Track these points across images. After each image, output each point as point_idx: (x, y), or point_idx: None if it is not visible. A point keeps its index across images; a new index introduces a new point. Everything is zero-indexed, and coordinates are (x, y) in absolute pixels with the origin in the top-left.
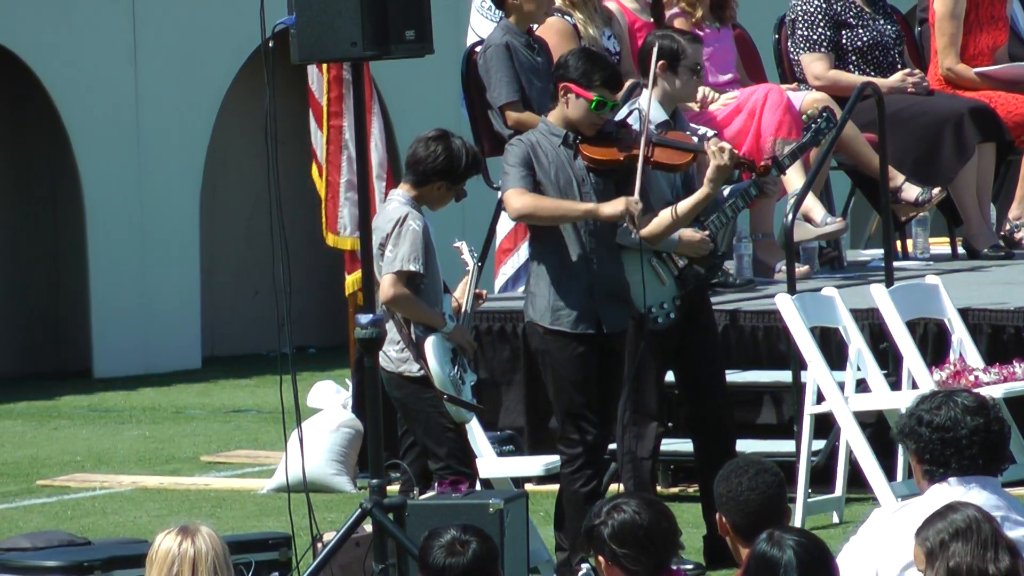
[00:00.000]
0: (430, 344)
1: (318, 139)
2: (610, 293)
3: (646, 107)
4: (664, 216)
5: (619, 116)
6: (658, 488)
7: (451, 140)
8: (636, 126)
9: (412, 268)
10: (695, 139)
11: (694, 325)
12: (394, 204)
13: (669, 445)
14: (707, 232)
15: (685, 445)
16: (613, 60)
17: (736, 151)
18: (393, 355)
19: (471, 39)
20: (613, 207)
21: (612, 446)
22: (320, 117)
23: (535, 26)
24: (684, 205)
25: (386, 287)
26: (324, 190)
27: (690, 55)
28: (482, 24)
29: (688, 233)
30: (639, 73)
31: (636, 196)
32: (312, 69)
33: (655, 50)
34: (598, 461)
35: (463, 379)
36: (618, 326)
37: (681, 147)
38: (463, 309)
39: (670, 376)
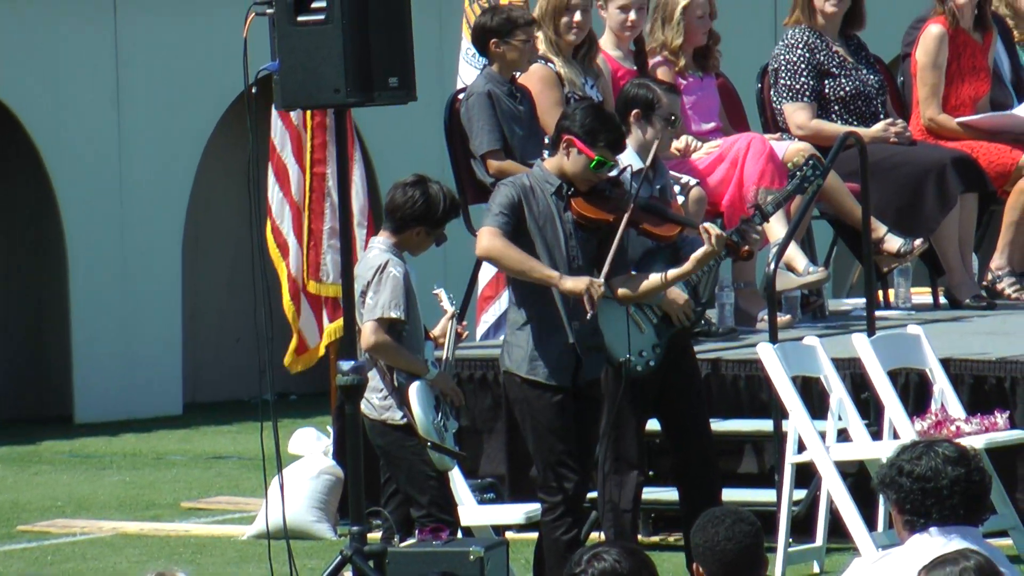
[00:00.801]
0: (414, 391)
1: (274, 192)
2: (587, 344)
3: (629, 162)
4: (649, 282)
5: (612, 172)
6: (639, 537)
7: (428, 185)
8: (627, 185)
9: (393, 315)
10: (678, 187)
11: (676, 373)
12: (375, 251)
13: (651, 494)
14: (691, 301)
15: (667, 493)
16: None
17: (725, 236)
18: (376, 402)
19: (459, 86)
20: (575, 284)
21: (593, 494)
22: (278, 167)
23: (518, 74)
24: (670, 275)
25: (368, 334)
26: (306, 237)
27: (665, 105)
28: (469, 72)
29: (675, 293)
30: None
31: (601, 279)
32: (275, 119)
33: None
34: (579, 509)
35: (446, 426)
36: (593, 373)
37: (672, 218)
38: (445, 356)
39: (654, 424)
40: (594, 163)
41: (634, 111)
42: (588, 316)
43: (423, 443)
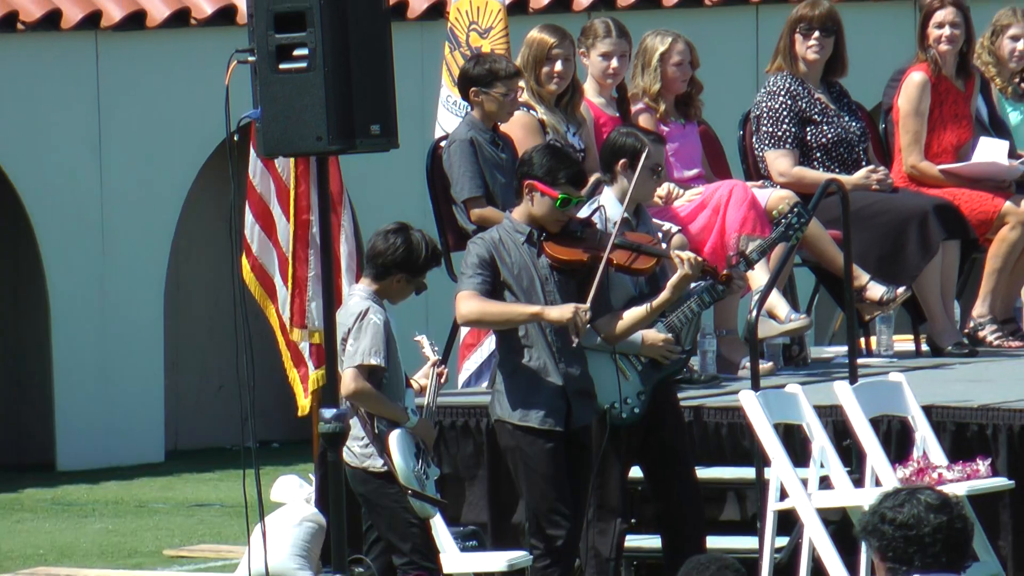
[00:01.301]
0: (394, 438)
1: (254, 231)
2: (577, 389)
3: (609, 206)
4: (631, 315)
5: (582, 213)
6: None
7: (410, 233)
8: (601, 225)
9: (373, 362)
10: (660, 234)
11: (660, 421)
12: (355, 299)
13: (634, 541)
14: (670, 337)
15: (649, 541)
16: (578, 156)
17: (700, 259)
18: (357, 450)
19: (438, 133)
20: (560, 312)
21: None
22: (255, 208)
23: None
24: (644, 309)
25: (347, 381)
26: (291, 284)
27: (651, 155)
28: (448, 119)
29: (652, 335)
30: (603, 169)
31: (587, 304)
32: (256, 163)
33: (639, 155)
34: (571, 557)
35: (427, 474)
36: (584, 420)
37: (646, 251)
38: (427, 402)
39: (637, 471)
40: (559, 201)
41: (621, 160)
42: (574, 343)
43: (404, 491)
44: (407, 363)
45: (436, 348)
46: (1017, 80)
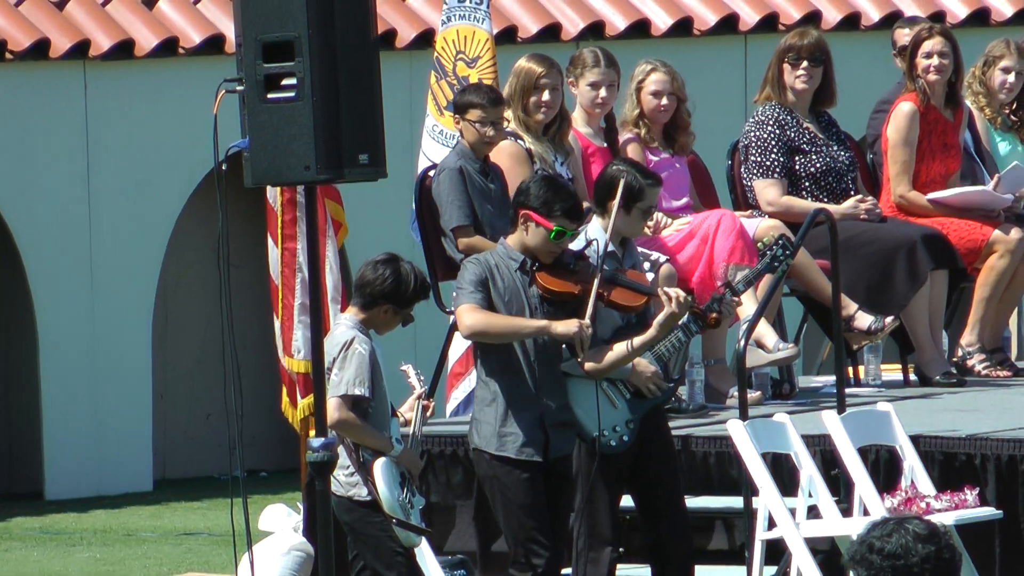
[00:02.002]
0: (378, 468)
1: (274, 257)
2: (556, 421)
3: (600, 239)
4: (618, 349)
5: (576, 245)
6: None
7: (400, 264)
8: (593, 258)
9: (358, 392)
10: (648, 264)
11: (649, 450)
12: (341, 328)
13: (623, 570)
14: (660, 372)
15: (638, 570)
16: (575, 190)
17: (689, 299)
18: (342, 479)
19: (422, 162)
20: (566, 327)
21: (566, 571)
22: (275, 236)
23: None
24: (636, 342)
25: (331, 411)
26: (280, 312)
27: (647, 198)
28: (433, 148)
29: (643, 365)
30: (592, 199)
31: (587, 320)
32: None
33: (620, 183)
34: None
35: (412, 503)
36: (563, 450)
37: (636, 288)
38: (412, 431)
39: (627, 500)
40: (553, 233)
41: (614, 199)
42: (580, 359)
43: (388, 520)
44: (393, 393)
45: (423, 378)
46: (1007, 111)
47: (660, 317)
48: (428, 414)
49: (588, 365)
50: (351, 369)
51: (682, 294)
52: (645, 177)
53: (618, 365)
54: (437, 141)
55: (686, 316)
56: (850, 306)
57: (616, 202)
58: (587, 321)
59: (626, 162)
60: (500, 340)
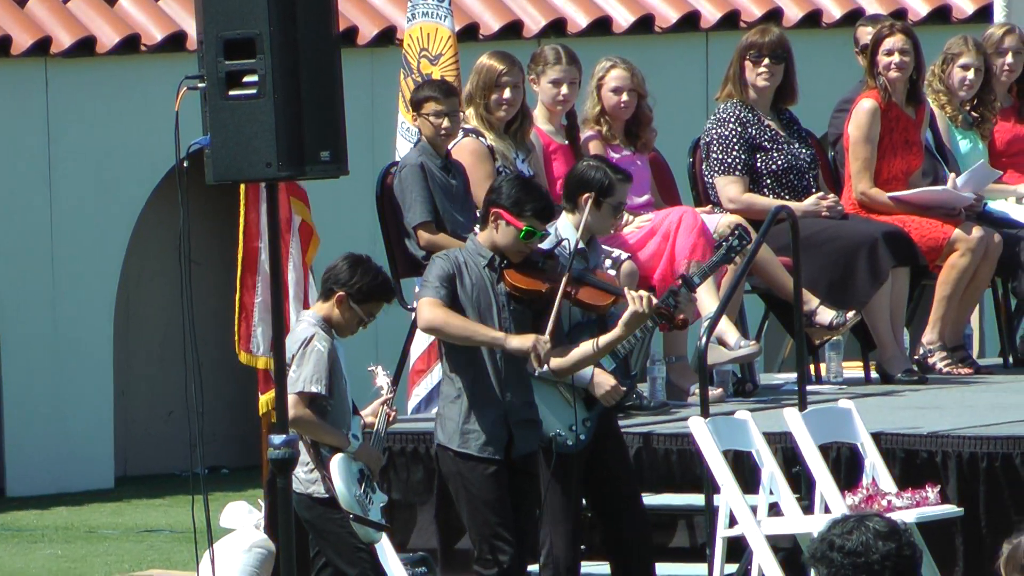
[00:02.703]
0: (335, 464)
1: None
2: (519, 418)
3: (568, 237)
4: (584, 348)
5: (545, 245)
6: None
7: (361, 258)
8: (562, 257)
9: (314, 389)
10: (609, 261)
11: (604, 447)
12: (303, 325)
13: (585, 568)
14: (621, 388)
15: (598, 567)
16: (546, 191)
17: (655, 301)
18: (302, 476)
19: (396, 160)
20: (520, 342)
21: (531, 568)
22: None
23: (452, 145)
24: (601, 341)
25: (288, 408)
26: (237, 310)
27: (618, 193)
28: (405, 147)
29: (603, 377)
30: (559, 196)
31: (546, 336)
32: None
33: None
34: None
35: (371, 499)
36: (527, 448)
37: (604, 288)
38: (376, 428)
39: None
40: (523, 233)
41: (586, 194)
42: (536, 373)
43: (347, 516)
44: (360, 393)
45: (391, 380)
46: (968, 108)
47: (625, 316)
48: (390, 421)
49: (553, 363)
50: (308, 366)
51: (648, 295)
52: (615, 173)
53: (583, 365)
54: (404, 138)
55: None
56: (812, 301)
57: (587, 198)
58: (545, 337)
59: (596, 158)
60: (453, 341)
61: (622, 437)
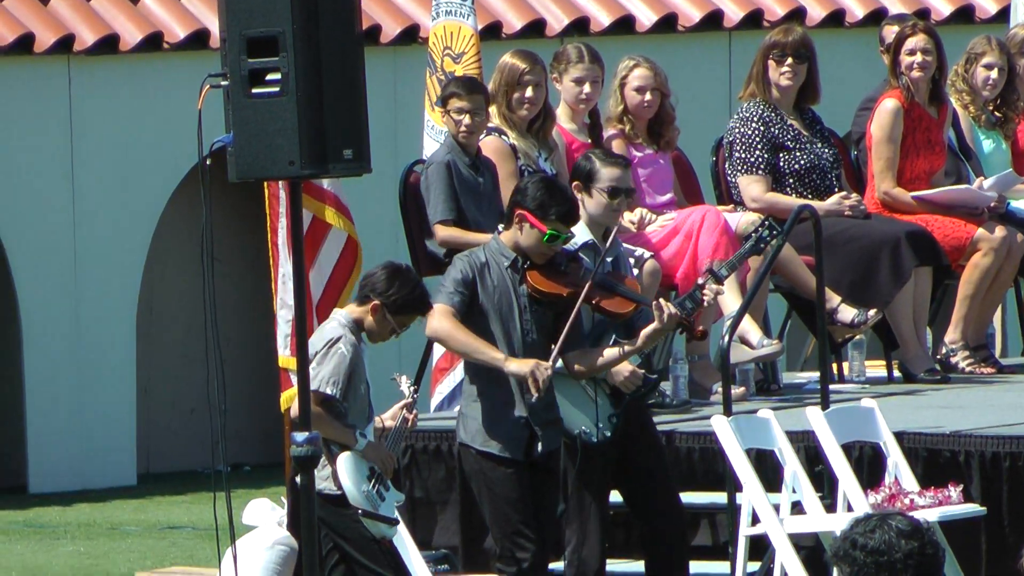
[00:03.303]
0: (342, 461)
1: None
2: (541, 415)
3: (580, 237)
4: (607, 356)
5: (570, 248)
6: None
7: (402, 269)
8: (585, 262)
9: (328, 391)
10: (632, 260)
11: (637, 445)
12: (333, 324)
13: (613, 566)
14: (639, 372)
15: (622, 566)
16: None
17: (679, 315)
18: (315, 472)
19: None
20: (519, 367)
21: (553, 565)
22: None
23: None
24: (616, 351)
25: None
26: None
27: (603, 176)
28: (431, 146)
29: (622, 365)
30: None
31: (548, 363)
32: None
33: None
34: None
35: (382, 496)
36: (550, 446)
37: (627, 296)
38: (394, 427)
39: (616, 496)
40: (547, 236)
41: (575, 182)
42: (533, 399)
43: (356, 512)
44: (383, 397)
45: (414, 389)
46: (991, 108)
47: (648, 330)
48: (409, 426)
49: (576, 367)
50: (328, 367)
51: (672, 308)
52: (603, 157)
53: (606, 368)
54: (431, 138)
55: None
56: (833, 299)
57: (576, 188)
58: (545, 363)
59: (592, 149)
60: (455, 352)
61: (656, 434)
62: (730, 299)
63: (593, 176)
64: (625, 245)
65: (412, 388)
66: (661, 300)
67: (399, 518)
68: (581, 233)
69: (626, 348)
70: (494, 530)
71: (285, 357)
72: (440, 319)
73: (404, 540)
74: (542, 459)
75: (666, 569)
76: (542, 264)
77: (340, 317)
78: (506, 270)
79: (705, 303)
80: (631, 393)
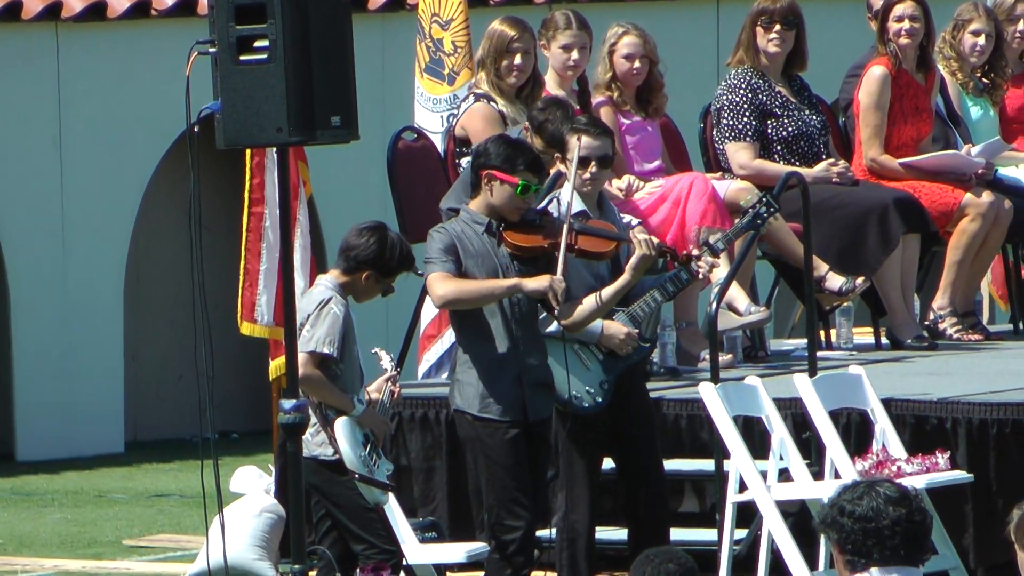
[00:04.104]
0: (339, 426)
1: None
2: (535, 381)
3: (566, 196)
4: (587, 303)
5: (540, 206)
6: None
7: (386, 233)
8: (557, 214)
9: (325, 351)
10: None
11: (628, 412)
12: (320, 287)
13: (602, 533)
14: (633, 332)
15: (608, 533)
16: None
17: (659, 240)
18: (309, 439)
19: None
20: (537, 283)
21: (540, 533)
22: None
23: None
24: (607, 292)
25: (298, 366)
26: (242, 277)
27: (570, 148)
28: (423, 115)
29: (613, 326)
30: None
31: (559, 275)
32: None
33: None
34: (529, 548)
35: (376, 463)
36: (543, 413)
37: (604, 235)
38: (380, 399)
39: (608, 463)
40: (519, 188)
41: (555, 153)
42: (556, 313)
43: (353, 476)
44: (369, 364)
45: (395, 362)
46: (979, 75)
47: (632, 260)
48: (395, 398)
49: (564, 318)
50: (323, 327)
51: (651, 237)
52: (585, 127)
53: (593, 316)
54: (422, 105)
55: (661, 276)
56: (821, 267)
57: (571, 176)
58: (558, 276)
59: (557, 105)
60: (474, 305)
61: (649, 402)
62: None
63: (560, 145)
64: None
65: (393, 363)
66: (635, 231)
67: (394, 484)
68: (575, 202)
69: (611, 288)
70: (489, 497)
71: (270, 328)
72: (443, 284)
73: (392, 508)
74: (534, 425)
75: (646, 538)
76: (516, 222)
77: (326, 281)
78: (483, 236)
79: (700, 276)
80: (624, 359)
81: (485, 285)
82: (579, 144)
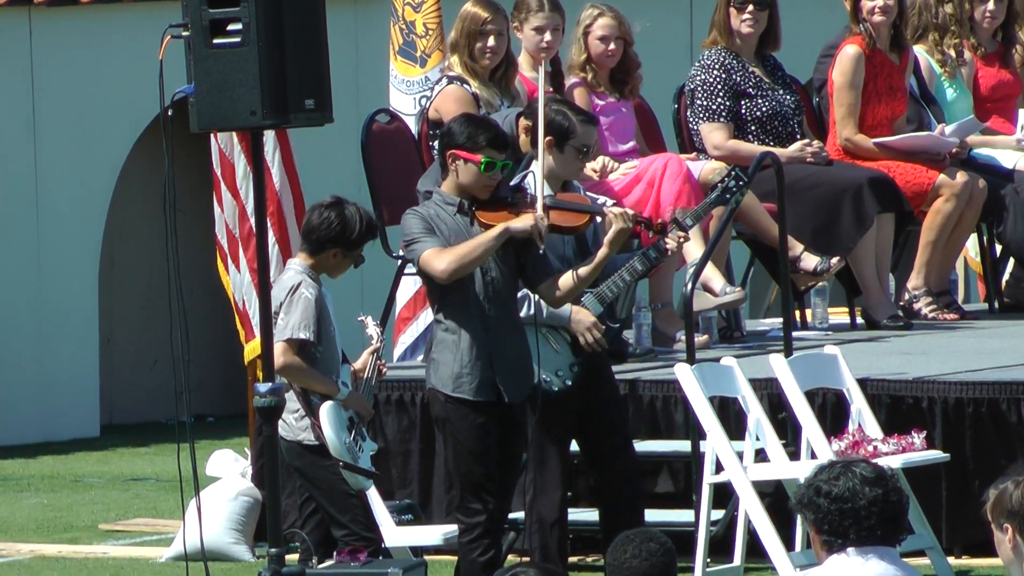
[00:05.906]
0: (324, 411)
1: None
2: (511, 363)
3: (537, 172)
4: (565, 279)
5: (512, 183)
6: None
7: (345, 207)
8: (529, 189)
9: (302, 336)
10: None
11: (597, 395)
12: (290, 272)
13: (571, 515)
14: (600, 325)
15: (583, 514)
16: (494, 120)
17: (632, 212)
18: (292, 423)
19: (383, 108)
20: (522, 223)
21: (512, 515)
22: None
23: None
24: (584, 269)
25: (277, 356)
26: (240, 265)
27: (579, 135)
28: (398, 98)
29: (582, 314)
30: (532, 142)
31: (540, 212)
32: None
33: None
34: (497, 531)
35: (361, 447)
36: (518, 396)
37: (577, 208)
38: (366, 376)
39: (573, 445)
40: (483, 164)
41: (547, 138)
42: (541, 250)
43: (337, 463)
44: (349, 344)
45: (380, 330)
46: (996, 40)
47: (610, 234)
48: (381, 375)
49: (548, 295)
50: (296, 313)
51: (625, 209)
52: (578, 115)
53: (575, 291)
54: (396, 88)
55: (631, 255)
56: (796, 247)
57: (540, 143)
58: (540, 213)
59: (557, 101)
60: (476, 265)
61: (616, 384)
62: (693, 247)
63: (570, 134)
64: (587, 193)
65: (378, 330)
66: (607, 205)
67: (377, 471)
68: (537, 171)
69: (598, 258)
70: (456, 479)
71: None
72: (440, 258)
73: (369, 491)
74: (508, 410)
75: (619, 520)
76: (488, 200)
77: (295, 266)
78: (455, 217)
79: (669, 252)
80: (591, 349)
81: (477, 241)
82: (544, 116)
